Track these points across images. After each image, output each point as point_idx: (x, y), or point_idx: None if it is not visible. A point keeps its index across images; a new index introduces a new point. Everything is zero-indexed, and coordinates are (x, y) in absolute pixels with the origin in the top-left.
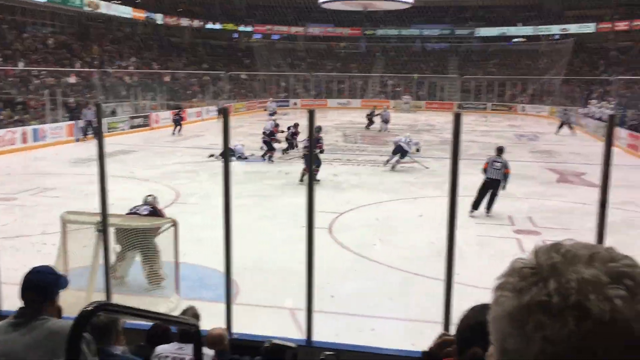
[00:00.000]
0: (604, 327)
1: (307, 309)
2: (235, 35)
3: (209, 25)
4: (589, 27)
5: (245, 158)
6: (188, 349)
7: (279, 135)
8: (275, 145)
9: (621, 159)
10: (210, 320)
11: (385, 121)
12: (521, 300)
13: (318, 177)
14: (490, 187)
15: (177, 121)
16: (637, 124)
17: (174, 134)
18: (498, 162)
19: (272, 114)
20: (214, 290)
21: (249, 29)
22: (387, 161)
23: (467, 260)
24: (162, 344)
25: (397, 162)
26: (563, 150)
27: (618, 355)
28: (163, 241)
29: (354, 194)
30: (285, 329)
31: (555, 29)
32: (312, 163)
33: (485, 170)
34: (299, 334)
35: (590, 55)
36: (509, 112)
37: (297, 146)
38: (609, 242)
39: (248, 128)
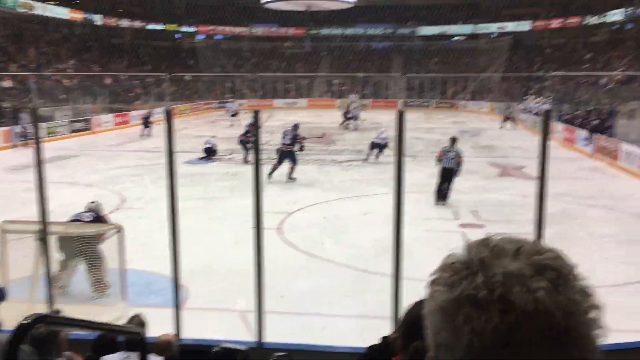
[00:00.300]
0: (527, 318)
1: (258, 311)
2: (178, 35)
3: (151, 26)
4: (525, 25)
5: (214, 153)
6: (135, 357)
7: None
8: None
9: (557, 152)
10: (159, 326)
11: (355, 118)
12: (451, 294)
13: (294, 175)
14: (447, 176)
15: (146, 123)
16: (571, 119)
17: (142, 135)
18: (451, 151)
19: (234, 114)
20: (162, 295)
21: (191, 29)
22: (366, 158)
23: (415, 255)
24: (108, 353)
25: (377, 155)
26: (504, 144)
27: (542, 346)
28: (108, 248)
29: (303, 193)
30: (236, 332)
31: (493, 28)
32: (258, 161)
33: (439, 160)
34: (250, 337)
35: (527, 52)
36: (451, 109)
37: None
38: (547, 232)
39: (193, 130)
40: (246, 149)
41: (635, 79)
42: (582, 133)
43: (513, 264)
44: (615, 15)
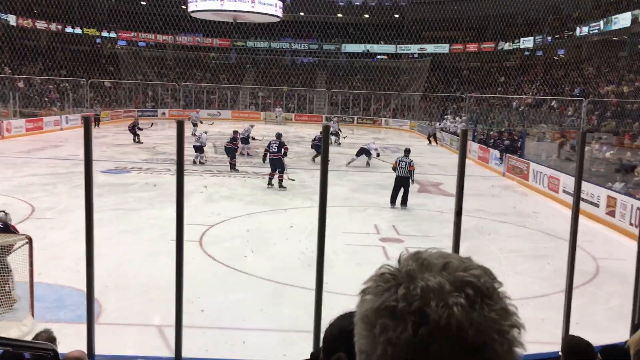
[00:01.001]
0: (440, 332)
1: (176, 325)
2: (98, 41)
3: (69, 29)
4: (443, 48)
5: (202, 152)
6: None
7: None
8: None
9: (472, 169)
10: (70, 342)
11: (335, 134)
12: (374, 304)
13: (284, 183)
14: (401, 183)
15: (134, 131)
16: (485, 139)
17: (135, 141)
18: (404, 161)
19: (195, 124)
20: (73, 310)
21: (112, 35)
22: (349, 162)
23: (335, 268)
24: None
25: (367, 162)
26: (422, 162)
27: (452, 359)
28: (16, 260)
29: (225, 205)
30: (153, 347)
31: (414, 48)
32: (181, 172)
33: (394, 169)
34: (168, 352)
35: (445, 73)
36: (373, 125)
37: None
38: (464, 246)
39: (112, 138)
40: (233, 156)
41: (544, 103)
42: (495, 153)
43: (434, 279)
44: (527, 43)
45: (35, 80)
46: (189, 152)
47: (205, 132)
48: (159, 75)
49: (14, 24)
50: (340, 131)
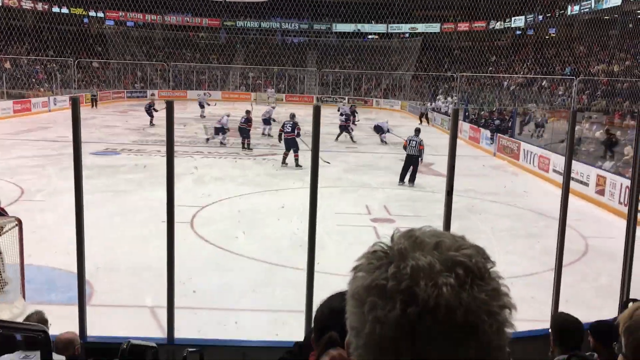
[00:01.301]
0: (428, 312)
1: (168, 306)
2: (86, 20)
3: (55, 9)
4: (434, 27)
5: (225, 133)
6: (35, 357)
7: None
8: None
9: (463, 150)
10: (62, 324)
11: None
12: (364, 282)
13: (300, 162)
14: (410, 162)
15: (150, 112)
16: (476, 119)
17: (151, 124)
18: (414, 140)
19: (203, 105)
20: (64, 292)
21: (100, 14)
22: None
23: (327, 249)
24: (4, 354)
25: (382, 139)
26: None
27: (442, 341)
28: (5, 242)
29: (216, 186)
30: (145, 328)
31: (405, 28)
32: (171, 154)
33: (405, 148)
34: (160, 333)
35: (436, 53)
36: (365, 105)
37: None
38: (454, 226)
39: (101, 120)
40: (248, 136)
41: (535, 82)
42: (486, 132)
43: (424, 258)
44: (518, 22)
45: (22, 60)
46: (178, 132)
47: (228, 115)
48: (147, 56)
49: (0, 4)
50: (357, 113)
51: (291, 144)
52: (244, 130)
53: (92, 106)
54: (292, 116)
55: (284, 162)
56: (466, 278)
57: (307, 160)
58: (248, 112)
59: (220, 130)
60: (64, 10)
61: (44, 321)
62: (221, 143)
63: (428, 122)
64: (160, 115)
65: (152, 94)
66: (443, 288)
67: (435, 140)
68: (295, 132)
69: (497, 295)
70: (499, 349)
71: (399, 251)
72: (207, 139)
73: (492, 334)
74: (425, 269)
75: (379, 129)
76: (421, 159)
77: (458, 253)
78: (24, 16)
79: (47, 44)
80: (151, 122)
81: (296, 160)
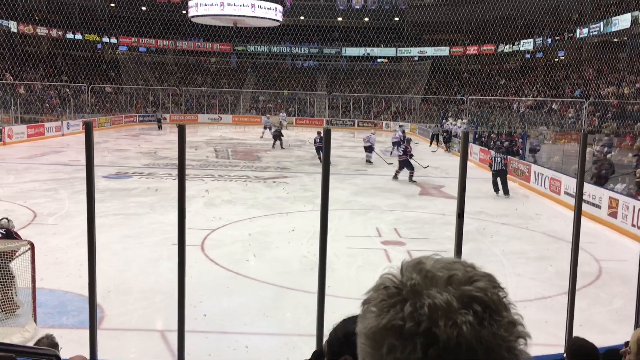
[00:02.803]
0: (449, 352)
1: (179, 330)
2: (99, 46)
3: (70, 35)
4: (443, 51)
5: (372, 149)
6: None
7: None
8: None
9: (473, 172)
10: (73, 348)
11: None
12: (380, 322)
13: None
14: (497, 175)
15: (159, 121)
16: (486, 141)
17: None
18: (499, 156)
19: (266, 127)
20: (75, 316)
21: (113, 40)
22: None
23: (337, 272)
24: None
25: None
26: (424, 164)
27: None
28: (19, 266)
29: (227, 209)
30: (156, 352)
31: (414, 51)
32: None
33: (490, 165)
34: (170, 357)
35: (445, 76)
36: (374, 128)
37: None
38: (465, 249)
39: (113, 143)
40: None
41: (545, 105)
42: (497, 157)
43: (441, 296)
44: (527, 45)
45: (36, 86)
46: (189, 156)
47: (373, 133)
48: (159, 80)
49: (15, 31)
50: (410, 140)
51: (404, 165)
52: (320, 149)
53: (159, 128)
54: (409, 140)
55: (395, 177)
56: (484, 314)
57: (315, 182)
58: (318, 132)
59: (369, 148)
60: (78, 36)
61: (55, 345)
62: (368, 161)
63: (437, 144)
64: (171, 139)
65: (164, 118)
66: (463, 327)
67: (445, 162)
68: (407, 154)
69: (513, 327)
70: None
71: (412, 287)
72: (368, 161)
73: None
74: (442, 308)
75: (369, 149)
76: (505, 172)
77: (472, 287)
78: (39, 42)
79: (61, 69)
80: (159, 127)
81: (410, 176)
